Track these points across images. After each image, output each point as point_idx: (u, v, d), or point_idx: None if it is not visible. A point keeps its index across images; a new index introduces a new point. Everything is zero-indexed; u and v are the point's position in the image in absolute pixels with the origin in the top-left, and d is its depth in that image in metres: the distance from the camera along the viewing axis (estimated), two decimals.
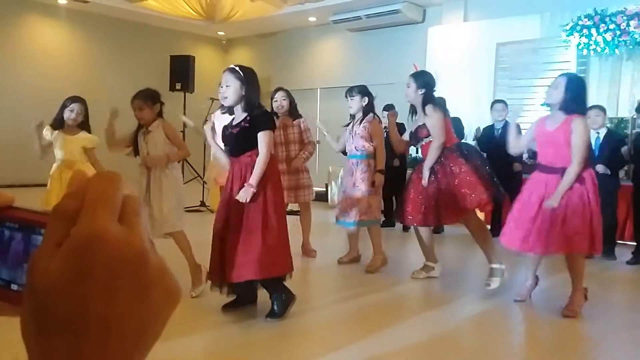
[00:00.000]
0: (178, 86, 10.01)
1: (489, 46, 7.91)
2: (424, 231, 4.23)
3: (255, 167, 3.06)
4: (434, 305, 3.72)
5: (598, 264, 4.90)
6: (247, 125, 3.10)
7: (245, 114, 3.14)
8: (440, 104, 4.16)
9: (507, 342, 3.14)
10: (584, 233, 3.30)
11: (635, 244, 5.27)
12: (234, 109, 3.19)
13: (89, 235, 0.31)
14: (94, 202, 0.32)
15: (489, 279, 3.83)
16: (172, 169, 3.70)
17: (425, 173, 3.97)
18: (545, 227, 3.34)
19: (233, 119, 3.24)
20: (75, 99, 4.07)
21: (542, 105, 3.49)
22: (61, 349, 0.30)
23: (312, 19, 10.23)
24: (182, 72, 9.91)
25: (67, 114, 4.00)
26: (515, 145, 3.82)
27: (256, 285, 3.24)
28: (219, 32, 11.90)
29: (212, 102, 7.96)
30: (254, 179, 3.03)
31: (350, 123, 4.60)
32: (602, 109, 5.40)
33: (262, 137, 3.08)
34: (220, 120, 4.88)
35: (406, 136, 4.34)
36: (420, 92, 4.05)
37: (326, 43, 10.68)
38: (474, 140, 6.44)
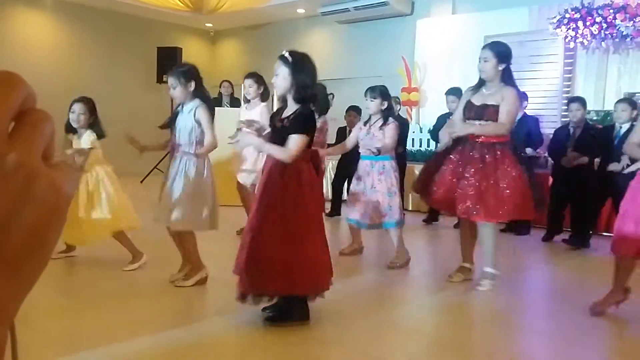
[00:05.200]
0: (165, 78, 9.94)
1: (477, 39, 7.90)
2: (468, 226, 3.86)
3: (274, 149, 2.82)
4: (430, 301, 3.74)
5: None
6: (286, 124, 2.83)
7: (296, 107, 2.85)
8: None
9: (509, 339, 3.17)
10: None
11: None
12: (287, 99, 2.90)
13: None
14: None
15: (485, 281, 3.72)
16: (203, 159, 3.48)
17: (468, 129, 3.58)
18: None
19: (280, 109, 2.96)
20: (76, 100, 3.96)
21: None
22: None
23: (300, 10, 10.19)
24: (169, 63, 9.80)
25: (70, 117, 3.91)
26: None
27: None
28: (206, 24, 11.81)
29: None
30: (265, 144, 2.84)
31: (366, 123, 4.41)
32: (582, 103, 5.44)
33: (292, 139, 2.79)
34: (245, 115, 4.94)
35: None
36: (501, 68, 3.64)
37: (315, 35, 10.64)
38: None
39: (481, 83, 3.77)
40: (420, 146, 8.07)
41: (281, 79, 2.84)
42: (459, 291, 3.75)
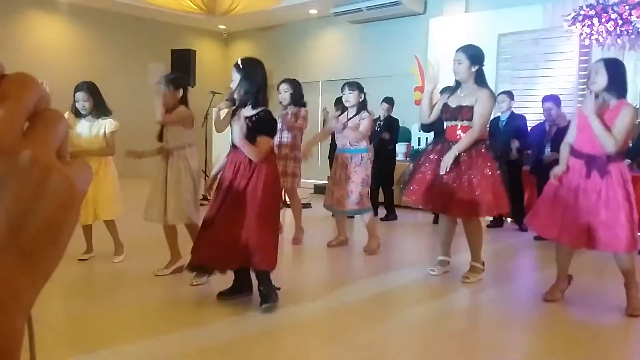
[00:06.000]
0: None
1: (491, 37, 7.87)
2: (447, 223, 4.09)
3: (248, 148, 3.07)
4: (428, 295, 3.74)
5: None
6: (250, 124, 3.12)
7: (253, 111, 3.14)
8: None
9: (506, 334, 3.15)
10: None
11: None
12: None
13: None
14: None
15: (470, 275, 3.93)
16: (191, 159, 3.76)
17: (451, 156, 3.70)
18: (583, 218, 3.17)
19: (239, 106, 3.27)
20: (77, 88, 4.08)
21: (593, 95, 3.29)
22: None
23: (313, 11, 10.20)
24: (183, 66, 9.91)
25: (77, 106, 4.03)
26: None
27: (250, 274, 3.29)
28: (220, 26, 11.87)
29: (213, 95, 7.96)
30: (243, 140, 3.04)
31: (340, 115, 4.72)
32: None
33: (261, 142, 3.09)
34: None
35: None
36: (474, 69, 3.80)
37: (327, 35, 10.65)
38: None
39: (457, 85, 3.94)
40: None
41: (235, 84, 3.16)
42: (465, 292, 3.75)
